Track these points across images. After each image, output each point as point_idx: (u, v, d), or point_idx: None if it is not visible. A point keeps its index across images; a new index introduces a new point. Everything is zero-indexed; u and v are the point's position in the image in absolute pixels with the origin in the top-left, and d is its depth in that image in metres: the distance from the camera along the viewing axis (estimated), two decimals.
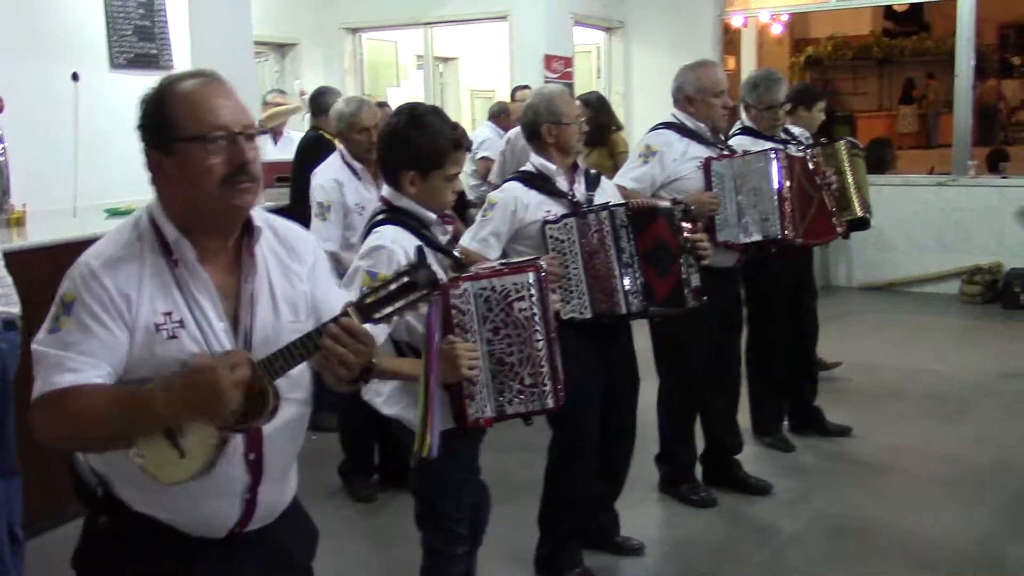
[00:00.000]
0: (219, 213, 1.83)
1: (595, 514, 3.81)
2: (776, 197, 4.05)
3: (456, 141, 2.72)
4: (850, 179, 4.78)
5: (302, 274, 1.99)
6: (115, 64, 7.67)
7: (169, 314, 1.79)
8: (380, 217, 2.76)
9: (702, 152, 4.09)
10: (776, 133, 4.66)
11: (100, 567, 1.95)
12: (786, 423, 5.13)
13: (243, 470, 1.88)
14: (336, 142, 5.21)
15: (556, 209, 3.41)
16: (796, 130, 5.27)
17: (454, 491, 2.85)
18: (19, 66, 6.43)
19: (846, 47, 15.05)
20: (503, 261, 2.93)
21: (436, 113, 2.77)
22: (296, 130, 7.67)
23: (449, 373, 2.61)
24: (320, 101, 5.51)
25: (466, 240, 3.35)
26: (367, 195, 4.41)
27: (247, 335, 1.86)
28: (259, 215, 1.95)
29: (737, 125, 4.77)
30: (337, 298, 2.00)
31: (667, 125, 4.15)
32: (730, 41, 11.11)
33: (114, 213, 5.47)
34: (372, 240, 2.68)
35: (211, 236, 1.85)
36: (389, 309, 1.78)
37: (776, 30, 12.38)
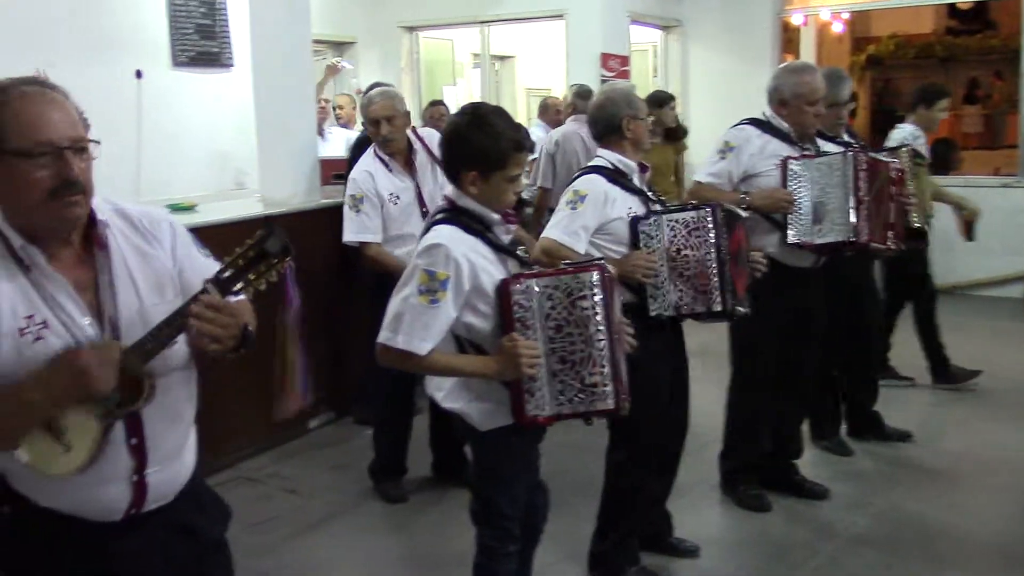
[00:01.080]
0: (48, 224, 1.85)
1: (651, 512, 3.79)
2: (854, 199, 3.96)
3: (518, 143, 2.70)
4: (911, 188, 4.66)
5: (163, 255, 2.00)
6: (177, 62, 7.80)
7: (31, 317, 1.82)
8: (440, 216, 2.75)
9: (782, 150, 4.04)
10: (839, 132, 4.58)
11: (11, 556, 1.98)
12: (844, 427, 5.05)
13: (126, 455, 1.93)
14: None
15: (635, 206, 3.39)
16: (909, 128, 5.20)
17: (509, 489, 2.85)
18: (85, 64, 6.57)
19: (908, 46, 14.76)
20: (566, 261, 2.93)
21: (499, 114, 2.75)
22: (336, 126, 7.72)
23: (509, 370, 2.61)
24: None
25: (555, 233, 3.30)
26: (400, 184, 4.44)
27: (113, 325, 1.89)
28: (105, 206, 1.97)
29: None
30: (208, 268, 1.99)
31: (751, 121, 4.12)
32: (789, 40, 10.95)
33: (176, 208, 5.55)
34: (429, 238, 2.68)
35: (51, 241, 1.88)
36: (245, 279, 1.83)
37: (837, 28, 12.18)
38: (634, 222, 3.35)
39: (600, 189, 3.35)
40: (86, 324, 1.87)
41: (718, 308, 3.35)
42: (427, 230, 2.75)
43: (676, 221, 3.35)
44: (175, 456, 2.04)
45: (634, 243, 3.35)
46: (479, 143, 2.66)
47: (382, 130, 4.45)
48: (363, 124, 4.61)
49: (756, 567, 3.84)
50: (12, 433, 1.80)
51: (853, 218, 3.96)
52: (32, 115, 1.80)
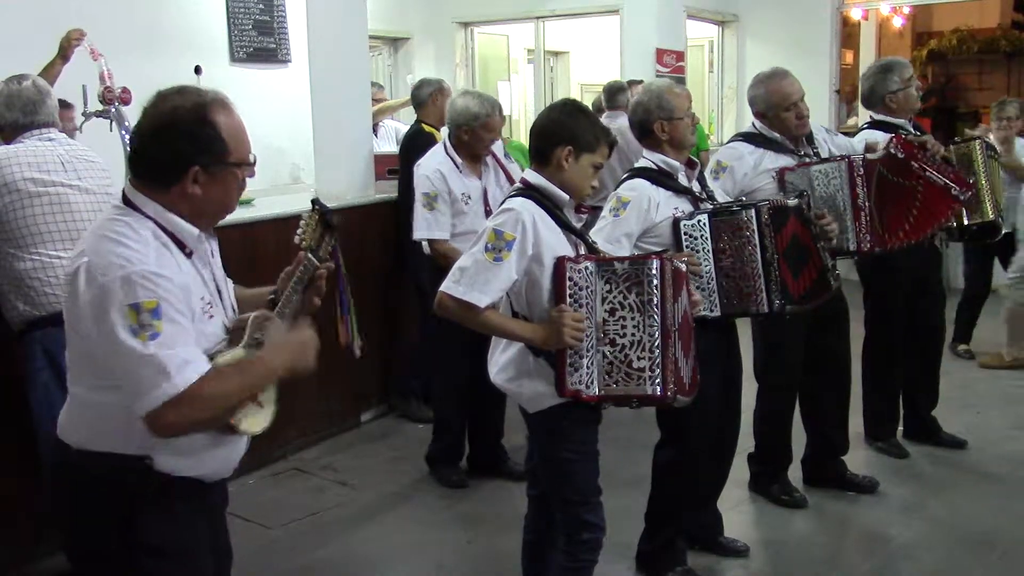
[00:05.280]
0: (216, 220, 2.19)
1: (700, 512, 3.77)
2: (851, 209, 3.88)
3: (608, 137, 2.91)
4: (984, 180, 4.53)
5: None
6: (235, 58, 7.92)
7: (202, 298, 2.10)
8: (514, 192, 2.90)
9: (777, 161, 3.98)
10: (909, 115, 4.54)
11: (161, 526, 2.13)
12: (900, 429, 4.97)
13: None
14: (437, 134, 5.26)
15: (683, 206, 3.38)
16: None
17: (563, 472, 2.89)
18: (146, 60, 6.69)
19: (972, 40, 14.45)
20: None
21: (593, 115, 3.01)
22: (392, 119, 7.72)
23: (553, 339, 2.71)
24: (419, 94, 5.56)
25: (598, 241, 3.27)
26: (470, 184, 4.52)
27: (232, 308, 2.25)
28: None
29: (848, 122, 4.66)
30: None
31: (744, 137, 4.10)
32: (848, 35, 10.79)
33: None
34: (503, 206, 2.85)
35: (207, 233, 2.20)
36: (322, 251, 2.33)
37: (897, 23, 11.97)
38: (675, 223, 3.33)
39: (644, 195, 3.33)
40: (224, 304, 2.20)
41: (764, 310, 3.32)
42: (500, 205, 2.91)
43: (720, 221, 3.32)
44: None
45: (677, 244, 3.33)
46: (577, 124, 2.86)
47: (488, 140, 4.53)
48: (467, 128, 4.45)
49: (806, 569, 3.80)
50: (250, 396, 2.11)
51: (850, 228, 3.88)
52: (243, 135, 2.13)
